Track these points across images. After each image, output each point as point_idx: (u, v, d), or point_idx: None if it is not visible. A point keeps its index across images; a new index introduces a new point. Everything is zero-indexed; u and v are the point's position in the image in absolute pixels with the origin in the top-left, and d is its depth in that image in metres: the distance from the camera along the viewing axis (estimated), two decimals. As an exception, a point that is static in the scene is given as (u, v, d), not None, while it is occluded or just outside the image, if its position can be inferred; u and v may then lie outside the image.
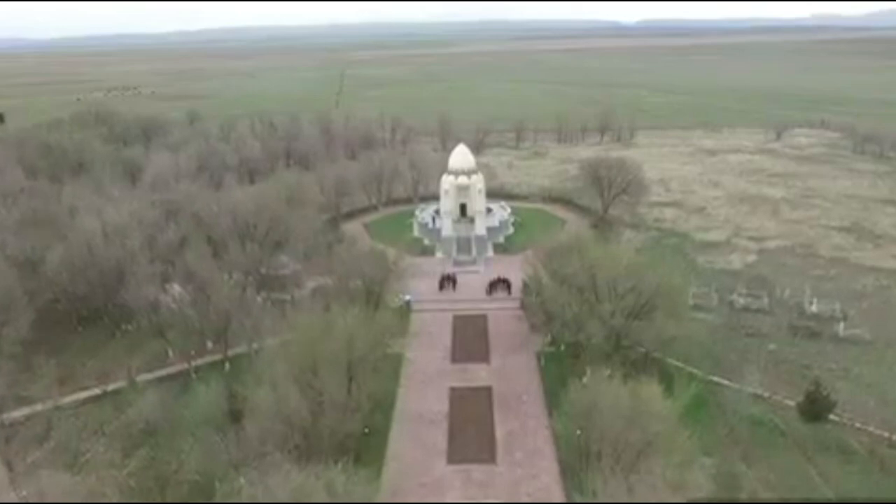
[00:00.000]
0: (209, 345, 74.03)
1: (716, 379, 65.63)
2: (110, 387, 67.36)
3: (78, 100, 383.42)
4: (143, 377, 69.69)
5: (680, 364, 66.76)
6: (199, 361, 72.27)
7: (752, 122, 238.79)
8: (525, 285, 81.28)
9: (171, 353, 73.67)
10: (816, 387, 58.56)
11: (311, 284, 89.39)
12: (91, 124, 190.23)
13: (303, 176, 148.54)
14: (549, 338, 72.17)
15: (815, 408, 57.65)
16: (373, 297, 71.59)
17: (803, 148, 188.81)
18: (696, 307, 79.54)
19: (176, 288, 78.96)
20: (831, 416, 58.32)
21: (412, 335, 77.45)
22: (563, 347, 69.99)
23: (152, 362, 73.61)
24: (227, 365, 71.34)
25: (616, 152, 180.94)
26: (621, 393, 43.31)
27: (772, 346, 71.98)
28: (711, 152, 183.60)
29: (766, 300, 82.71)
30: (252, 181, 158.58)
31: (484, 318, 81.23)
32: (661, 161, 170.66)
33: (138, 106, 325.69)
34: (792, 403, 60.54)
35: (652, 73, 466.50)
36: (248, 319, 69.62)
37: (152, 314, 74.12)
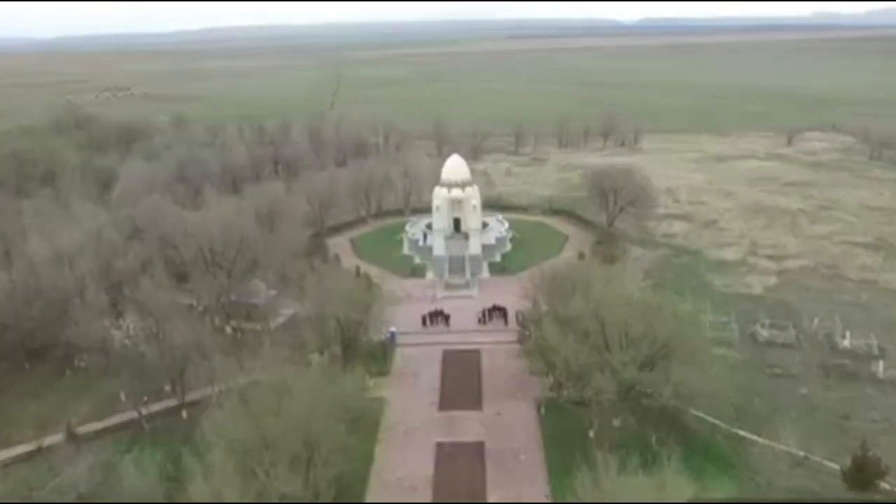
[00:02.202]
0: (167, 387, 65.54)
1: (742, 433, 57.14)
2: (47, 441, 58.80)
3: (69, 101, 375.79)
4: (89, 427, 61.51)
5: (700, 414, 58.22)
6: (155, 407, 63.79)
7: (760, 125, 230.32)
8: (523, 319, 72.64)
9: (122, 396, 65.11)
10: (864, 451, 49.92)
11: (287, 312, 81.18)
12: (69, 130, 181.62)
13: (289, 185, 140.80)
14: (550, 380, 63.52)
15: (864, 476, 49.05)
16: (349, 334, 62.79)
17: (817, 153, 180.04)
18: (715, 341, 70.73)
19: (131, 321, 70.44)
20: (881, 484, 49.80)
21: (395, 375, 68.96)
22: (566, 392, 61.34)
23: (102, 407, 65.25)
24: (185, 412, 62.76)
25: (620, 158, 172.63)
26: (641, 485, 34.57)
27: (803, 391, 63.32)
28: (720, 158, 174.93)
29: (792, 333, 74.06)
30: (236, 190, 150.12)
31: (477, 353, 72.53)
32: (667, 168, 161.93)
33: (127, 108, 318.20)
34: (833, 466, 51.98)
35: (653, 73, 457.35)
36: (205, 363, 60.77)
37: (101, 353, 65.62)
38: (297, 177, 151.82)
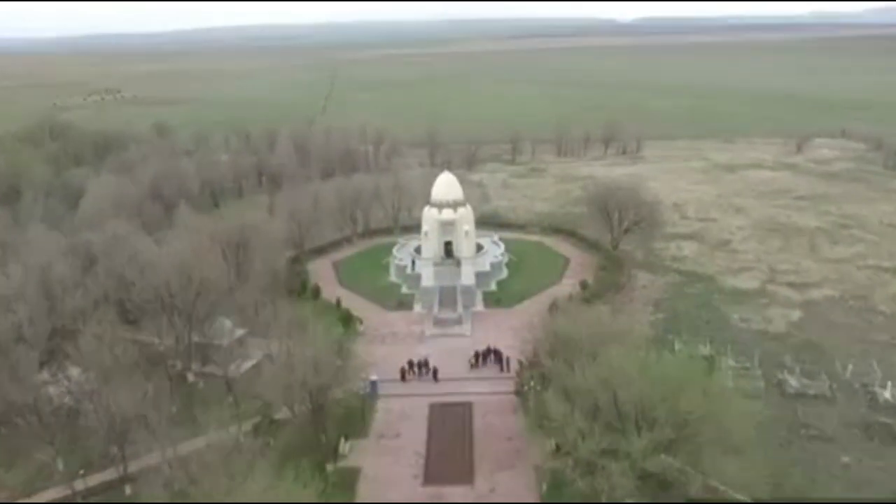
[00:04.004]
0: (114, 450, 56.71)
1: (780, 516, 48.61)
2: (-37, 528, 50.31)
3: (54, 105, 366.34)
4: (16, 506, 52.94)
5: (730, 491, 49.53)
6: (94, 480, 55.09)
7: (765, 129, 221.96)
8: (521, 369, 64.10)
9: (60, 465, 56.48)
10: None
11: (257, 353, 72.20)
12: (45, 140, 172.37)
13: (273, 199, 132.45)
14: (552, 444, 54.82)
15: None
16: (319, 400, 54.11)
17: (829, 162, 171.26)
18: (738, 392, 62.00)
19: (75, 374, 61.63)
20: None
21: (375, 436, 60.20)
22: (571, 463, 52.68)
23: (36, 477, 56.62)
24: (128, 488, 54.08)
25: (623, 168, 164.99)
26: None
27: (845, 459, 54.66)
28: (728, 168, 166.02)
29: (825, 381, 65.49)
30: (216, 205, 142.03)
31: (469, 407, 63.78)
32: (673, 179, 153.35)
33: (113, 113, 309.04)
34: (891, 566, 43.57)
35: (653, 73, 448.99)
36: (150, 431, 52.04)
37: (34, 413, 56.71)
38: (281, 190, 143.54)
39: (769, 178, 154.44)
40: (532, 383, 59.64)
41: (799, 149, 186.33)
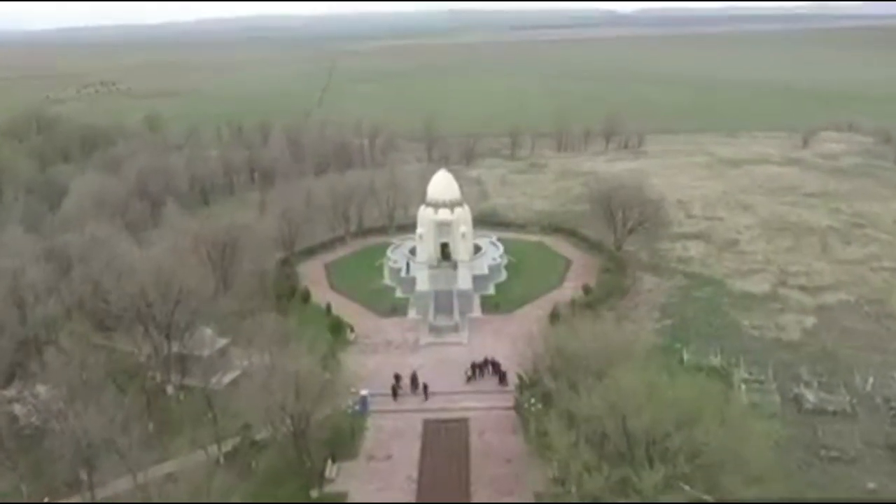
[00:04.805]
0: (82, 475, 52.78)
1: (802, 551, 44.78)
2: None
3: (47, 97, 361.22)
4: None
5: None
6: (61, 507, 51.23)
7: (769, 123, 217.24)
8: (521, 384, 60.07)
9: (24, 490, 52.55)
10: None
11: (240, 364, 67.98)
12: (30, 135, 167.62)
13: (265, 195, 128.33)
14: (554, 469, 50.85)
15: None
16: (300, 425, 50.05)
17: (836, 157, 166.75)
18: (753, 408, 58.16)
19: (42, 392, 57.48)
20: None
21: (364, 457, 56.18)
22: (574, 489, 48.78)
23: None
24: (97, 515, 50.20)
25: (625, 164, 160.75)
26: None
27: (871, 486, 50.75)
28: (733, 163, 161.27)
29: (845, 396, 61.51)
30: (206, 202, 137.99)
31: (465, 424, 59.76)
32: (676, 175, 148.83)
33: (106, 106, 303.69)
34: None
35: (653, 65, 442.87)
36: (119, 456, 48.14)
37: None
38: (273, 186, 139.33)
39: (776, 173, 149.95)
40: (532, 401, 55.64)
41: (805, 143, 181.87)
